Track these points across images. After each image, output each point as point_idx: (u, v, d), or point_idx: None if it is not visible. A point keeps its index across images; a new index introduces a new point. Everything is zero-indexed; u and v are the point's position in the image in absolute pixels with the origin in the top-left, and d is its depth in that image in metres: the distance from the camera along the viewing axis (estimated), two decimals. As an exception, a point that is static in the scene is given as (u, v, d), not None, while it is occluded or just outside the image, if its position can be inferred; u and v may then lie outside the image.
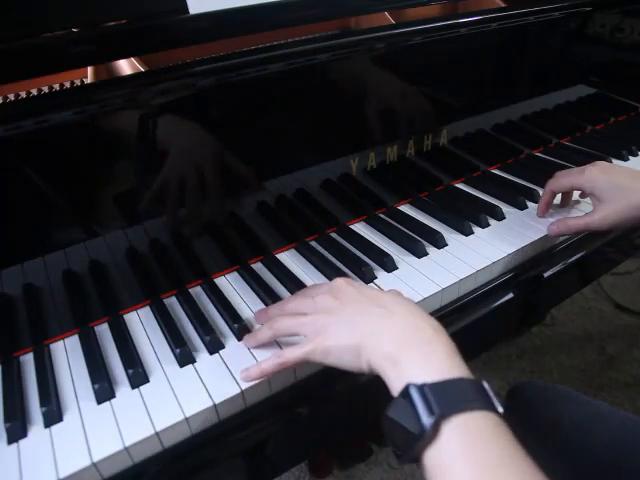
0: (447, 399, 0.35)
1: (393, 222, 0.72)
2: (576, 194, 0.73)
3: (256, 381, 0.47)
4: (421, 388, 0.35)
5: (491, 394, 0.36)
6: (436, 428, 0.33)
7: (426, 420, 0.33)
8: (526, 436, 0.58)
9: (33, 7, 0.45)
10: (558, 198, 0.72)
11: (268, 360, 0.46)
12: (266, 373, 0.46)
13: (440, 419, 0.33)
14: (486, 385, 0.37)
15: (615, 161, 0.86)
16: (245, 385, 0.47)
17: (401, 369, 0.38)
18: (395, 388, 0.38)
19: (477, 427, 0.34)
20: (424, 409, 0.34)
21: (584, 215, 0.64)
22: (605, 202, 0.60)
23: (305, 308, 0.47)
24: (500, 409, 0.35)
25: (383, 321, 0.42)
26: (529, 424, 0.60)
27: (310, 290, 0.50)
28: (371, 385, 0.55)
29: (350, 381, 0.52)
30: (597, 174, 0.62)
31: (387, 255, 0.63)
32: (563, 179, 0.66)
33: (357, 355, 0.41)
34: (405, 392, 0.36)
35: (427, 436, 0.33)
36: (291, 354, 0.45)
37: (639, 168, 0.84)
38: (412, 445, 0.34)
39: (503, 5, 0.78)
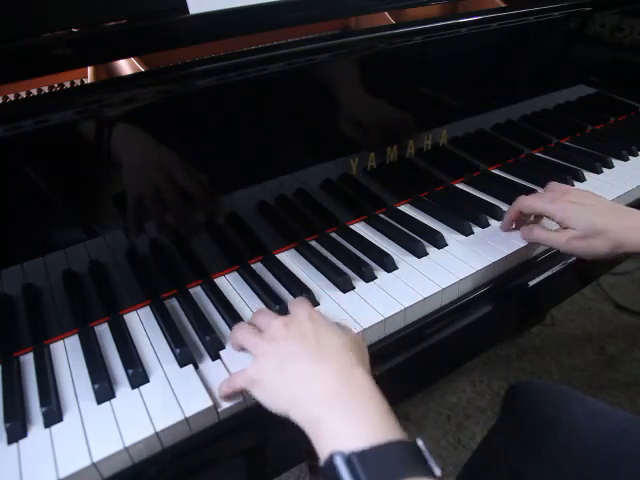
0: (377, 470, 0.31)
1: (393, 222, 0.72)
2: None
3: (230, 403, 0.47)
4: (348, 459, 0.32)
5: (427, 455, 0.33)
6: None
7: None
8: (524, 435, 0.58)
9: (33, 7, 0.45)
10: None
11: (223, 382, 0.46)
12: (228, 395, 0.46)
13: None
14: (421, 444, 0.34)
15: (615, 161, 0.86)
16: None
17: (324, 429, 0.35)
18: (321, 451, 0.35)
19: None
20: None
21: (554, 231, 0.60)
22: (575, 230, 0.57)
23: (263, 325, 0.47)
24: (437, 472, 0.32)
25: (313, 368, 0.39)
26: (527, 423, 0.60)
27: (291, 306, 0.49)
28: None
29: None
30: (569, 206, 0.58)
31: (387, 255, 0.63)
32: (534, 202, 0.61)
33: (279, 397, 0.40)
34: (330, 462, 0.33)
35: None
36: (236, 380, 0.45)
37: (639, 168, 0.85)
38: None
39: (503, 5, 0.78)
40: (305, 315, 0.45)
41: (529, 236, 0.62)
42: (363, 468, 0.31)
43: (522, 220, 0.66)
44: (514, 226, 0.67)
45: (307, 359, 0.40)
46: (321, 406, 0.37)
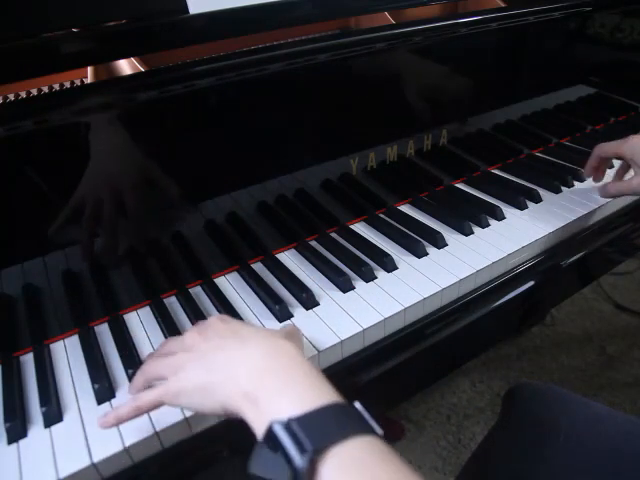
0: (319, 431, 0.31)
1: (393, 222, 0.72)
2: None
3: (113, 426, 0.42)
4: (287, 425, 0.31)
5: (366, 415, 0.32)
6: (312, 467, 0.29)
7: (299, 461, 0.29)
8: (524, 437, 0.58)
9: (33, 7, 0.45)
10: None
11: (125, 405, 0.41)
12: (123, 419, 0.41)
13: (315, 456, 0.29)
14: (359, 406, 0.33)
15: (615, 161, 0.86)
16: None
17: (261, 407, 0.34)
18: (258, 430, 0.33)
19: (358, 456, 0.30)
20: (295, 449, 0.30)
21: (626, 180, 0.71)
22: None
23: (174, 347, 0.43)
24: (379, 431, 0.32)
25: (238, 352, 0.38)
26: (527, 426, 0.59)
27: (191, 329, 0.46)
28: (371, 383, 0.55)
29: (352, 381, 0.53)
30: (638, 140, 0.67)
31: (387, 255, 0.63)
32: (607, 146, 0.73)
33: (209, 395, 0.37)
34: (270, 433, 0.32)
35: (304, 478, 0.29)
36: (146, 398, 0.40)
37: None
38: None
39: (503, 5, 0.78)
40: (214, 319, 0.44)
41: (607, 193, 0.73)
42: (304, 431, 0.30)
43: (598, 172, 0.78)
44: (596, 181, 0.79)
45: (230, 347, 0.39)
46: (253, 385, 0.35)
